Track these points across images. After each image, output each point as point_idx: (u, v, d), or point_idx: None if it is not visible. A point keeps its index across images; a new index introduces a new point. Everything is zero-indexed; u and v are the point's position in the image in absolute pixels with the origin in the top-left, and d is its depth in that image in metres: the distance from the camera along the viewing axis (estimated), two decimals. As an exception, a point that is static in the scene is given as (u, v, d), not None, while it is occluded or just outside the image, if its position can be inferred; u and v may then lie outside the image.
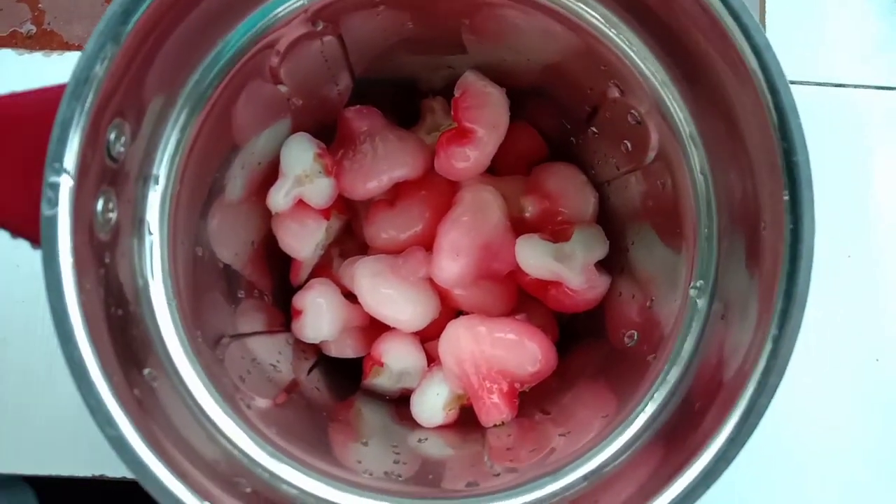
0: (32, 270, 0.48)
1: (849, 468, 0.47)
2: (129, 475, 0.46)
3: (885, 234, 0.49)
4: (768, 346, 0.27)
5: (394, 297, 0.40)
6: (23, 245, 0.49)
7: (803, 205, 0.27)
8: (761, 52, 0.27)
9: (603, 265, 0.41)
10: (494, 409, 0.38)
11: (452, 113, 0.40)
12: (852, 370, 0.48)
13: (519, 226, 0.42)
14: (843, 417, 0.47)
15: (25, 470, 0.47)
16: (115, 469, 0.46)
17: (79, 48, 0.51)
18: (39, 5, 0.52)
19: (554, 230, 0.42)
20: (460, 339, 0.39)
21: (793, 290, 0.27)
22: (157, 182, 0.33)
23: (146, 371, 0.30)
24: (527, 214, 0.42)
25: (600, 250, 0.41)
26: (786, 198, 0.27)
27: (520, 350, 0.39)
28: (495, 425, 0.39)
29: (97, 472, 0.47)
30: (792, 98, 0.27)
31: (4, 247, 0.48)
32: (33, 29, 0.52)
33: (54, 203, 0.26)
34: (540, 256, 0.40)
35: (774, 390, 0.27)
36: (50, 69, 0.50)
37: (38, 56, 0.51)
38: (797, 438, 0.47)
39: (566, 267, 0.39)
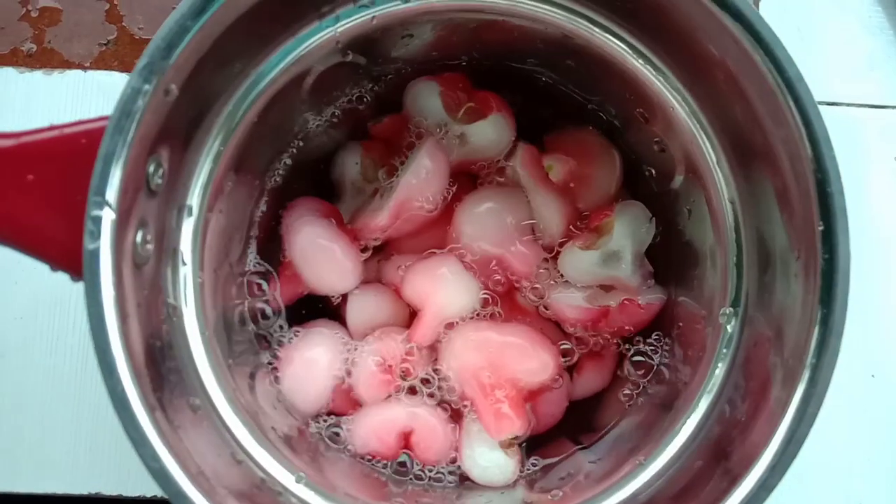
0: (31, 288, 0.48)
1: (845, 483, 0.48)
2: (125, 493, 0.47)
3: (880, 250, 0.49)
4: (806, 374, 0.27)
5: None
6: (22, 262, 0.49)
7: (838, 234, 0.27)
8: (793, 84, 0.28)
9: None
10: (505, 419, 0.37)
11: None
12: (848, 386, 0.48)
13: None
14: (839, 433, 0.47)
15: (19, 488, 0.47)
16: (111, 487, 0.46)
17: (79, 66, 0.52)
18: (40, 24, 0.52)
19: (594, 214, 0.40)
20: (467, 345, 0.38)
21: (829, 320, 0.27)
22: (190, 212, 0.33)
23: (191, 399, 0.30)
24: (553, 177, 0.40)
25: (647, 233, 0.39)
26: (820, 228, 0.27)
27: (531, 356, 0.38)
28: (508, 440, 0.38)
29: (93, 490, 0.46)
30: (825, 129, 0.28)
31: (3, 263, 0.48)
32: (34, 47, 0.52)
33: (97, 236, 0.26)
34: (586, 266, 0.38)
35: (814, 418, 0.27)
36: (51, 87, 0.50)
37: (38, 74, 0.51)
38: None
39: (616, 268, 0.38)
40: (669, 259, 0.39)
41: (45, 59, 0.52)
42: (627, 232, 0.39)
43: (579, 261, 0.39)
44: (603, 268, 0.39)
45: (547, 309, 0.40)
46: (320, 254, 0.38)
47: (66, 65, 0.52)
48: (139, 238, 0.29)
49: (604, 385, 0.40)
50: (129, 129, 0.27)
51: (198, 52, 0.28)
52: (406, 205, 0.38)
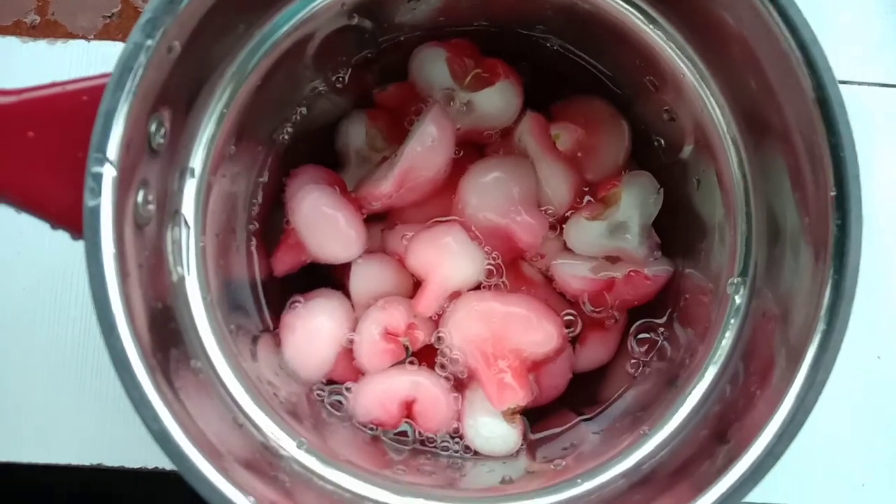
0: (33, 257, 0.48)
1: (850, 464, 0.47)
2: (126, 464, 0.47)
3: (888, 230, 0.49)
4: (816, 339, 0.27)
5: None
6: (25, 232, 0.49)
7: (851, 200, 0.27)
8: (808, 46, 0.27)
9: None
10: (508, 389, 0.37)
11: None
12: (854, 367, 0.48)
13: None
14: (845, 414, 0.47)
15: (22, 458, 0.47)
16: (114, 458, 0.46)
17: (83, 38, 0.51)
18: (44, -4, 0.52)
19: (601, 184, 0.40)
20: (470, 315, 0.37)
21: (841, 286, 0.26)
22: (192, 174, 0.32)
23: (193, 363, 0.30)
24: (560, 146, 0.40)
25: (655, 204, 0.38)
26: (832, 193, 0.27)
27: (535, 327, 0.37)
28: (510, 410, 0.37)
29: (95, 462, 0.47)
30: (839, 92, 0.27)
31: (5, 233, 0.48)
32: (37, 19, 0.52)
33: (97, 193, 0.26)
34: (592, 237, 0.38)
35: (823, 385, 0.26)
36: (54, 57, 0.50)
37: (42, 44, 0.50)
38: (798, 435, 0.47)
39: (623, 240, 0.38)
40: (677, 231, 0.39)
41: (49, 31, 0.52)
42: (635, 203, 0.38)
43: (586, 231, 0.38)
44: (609, 239, 0.38)
45: (552, 279, 0.39)
46: (324, 222, 0.38)
47: (70, 36, 0.51)
48: (140, 198, 0.28)
49: (608, 357, 0.40)
50: (131, 86, 0.26)
51: (202, 9, 0.28)
52: (411, 173, 0.38)
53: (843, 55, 0.51)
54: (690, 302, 0.37)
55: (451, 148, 0.38)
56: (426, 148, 0.38)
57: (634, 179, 0.38)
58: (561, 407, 0.39)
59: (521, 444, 0.37)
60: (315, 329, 0.37)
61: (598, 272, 0.38)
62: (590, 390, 0.40)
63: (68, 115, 0.28)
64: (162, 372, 0.27)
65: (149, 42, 0.26)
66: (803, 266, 0.29)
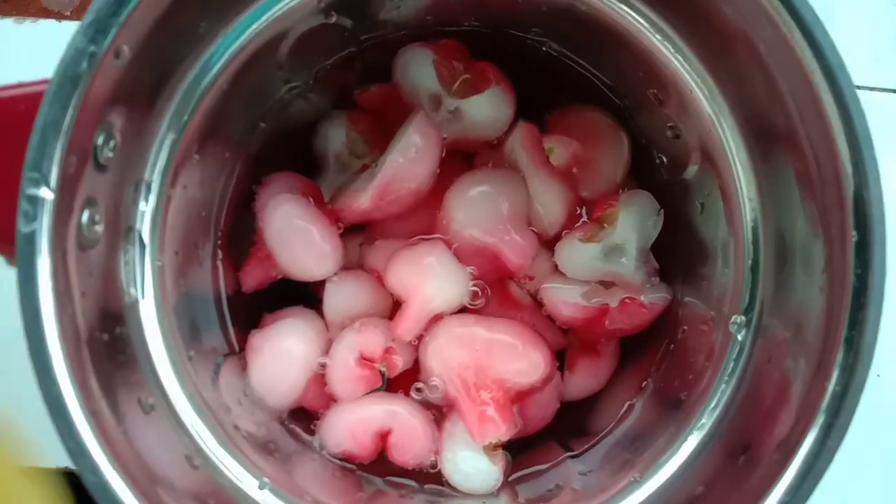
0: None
1: (849, 482, 0.46)
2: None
3: (891, 242, 0.47)
4: (826, 402, 0.24)
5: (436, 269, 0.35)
6: None
7: (874, 247, 0.24)
8: (834, 72, 0.24)
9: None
10: (490, 423, 0.34)
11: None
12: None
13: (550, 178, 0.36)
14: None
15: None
16: None
17: (58, 15, 0.48)
18: (21, -31, 0.48)
19: (597, 203, 0.37)
20: (452, 341, 0.35)
21: (860, 345, 0.24)
22: (149, 189, 0.29)
23: (144, 399, 0.27)
24: (554, 160, 0.37)
25: (654, 226, 0.36)
26: (854, 238, 0.24)
27: (520, 355, 0.35)
28: (492, 444, 0.35)
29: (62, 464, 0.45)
30: (866, 126, 0.24)
31: None
32: None
33: (32, 218, 0.23)
34: (586, 259, 0.35)
35: (834, 452, 0.24)
36: (20, 37, 0.47)
37: (8, 22, 0.47)
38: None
39: (619, 264, 0.35)
40: (677, 255, 0.36)
41: (22, 6, 0.49)
42: (633, 224, 0.35)
43: (579, 254, 0.36)
44: (604, 262, 0.35)
45: (541, 303, 0.37)
46: (297, 235, 0.35)
47: (44, 13, 0.48)
48: (85, 218, 0.25)
49: (599, 386, 0.38)
50: (73, 96, 0.23)
51: (155, 10, 0.25)
52: (392, 185, 0.35)
53: (857, 59, 0.49)
54: (689, 333, 0.34)
55: (436, 159, 0.36)
56: (409, 159, 0.35)
57: (633, 199, 0.36)
58: (547, 439, 0.37)
59: (503, 482, 0.35)
60: (284, 351, 0.35)
61: (590, 298, 0.36)
62: (578, 422, 0.37)
63: (2, 126, 0.25)
64: (109, 412, 0.25)
65: (92, 48, 0.23)
66: (816, 287, 0.26)
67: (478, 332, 0.35)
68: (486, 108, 0.36)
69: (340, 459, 0.35)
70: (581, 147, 0.37)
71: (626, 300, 0.35)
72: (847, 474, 0.45)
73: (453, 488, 0.35)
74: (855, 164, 0.24)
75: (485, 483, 0.34)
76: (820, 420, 0.24)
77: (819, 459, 0.24)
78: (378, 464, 0.35)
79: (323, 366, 0.35)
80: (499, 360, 0.34)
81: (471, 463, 0.34)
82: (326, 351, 0.36)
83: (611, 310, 0.35)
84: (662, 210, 0.36)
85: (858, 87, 0.49)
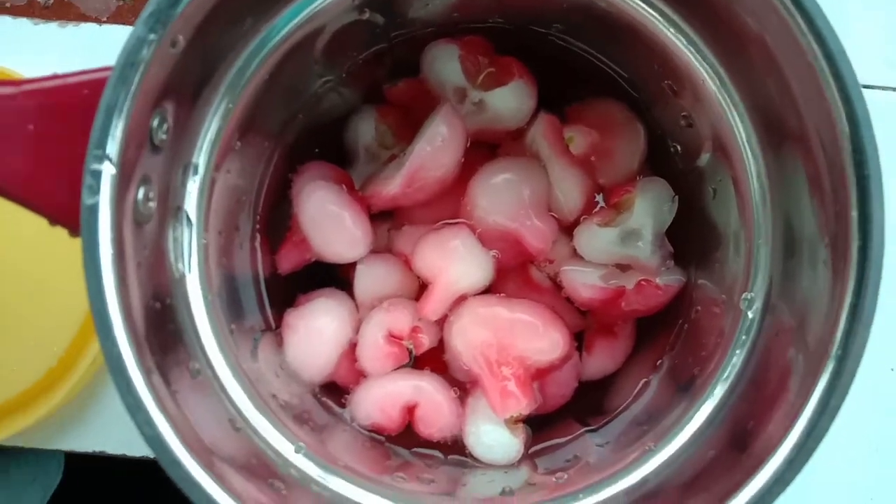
0: None
1: (859, 478, 0.47)
2: (129, 452, 0.47)
3: None
4: (830, 366, 0.26)
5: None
6: None
7: (873, 222, 0.26)
8: (835, 58, 0.26)
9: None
10: (511, 397, 0.36)
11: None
12: (867, 380, 0.47)
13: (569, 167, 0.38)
14: (858, 427, 0.46)
15: (25, 443, 0.47)
16: (115, 446, 0.48)
17: (96, 20, 0.51)
18: (58, -23, 0.51)
19: (614, 189, 0.39)
20: (475, 321, 0.36)
21: (860, 310, 0.26)
22: (196, 171, 0.32)
23: (191, 364, 0.29)
24: (573, 149, 0.39)
25: (669, 212, 0.37)
26: (854, 214, 0.26)
27: (540, 334, 0.36)
28: (513, 418, 0.37)
29: (98, 449, 0.48)
30: (866, 109, 0.26)
31: None
32: (51, 0, 0.52)
33: (96, 191, 0.25)
34: (603, 244, 0.37)
35: (836, 411, 0.26)
36: (66, 40, 0.50)
37: (53, 26, 0.50)
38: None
39: (635, 247, 0.37)
40: (690, 240, 0.38)
41: (63, 12, 0.52)
42: (649, 210, 0.37)
43: (597, 238, 0.37)
44: (621, 246, 0.37)
45: (560, 286, 0.39)
46: (329, 220, 0.37)
47: (83, 18, 0.51)
48: (141, 195, 0.27)
49: (616, 367, 0.39)
50: (133, 81, 0.26)
51: (208, 2, 0.27)
52: (419, 173, 0.37)
53: (866, 59, 0.50)
54: (702, 314, 0.36)
55: (461, 148, 0.38)
56: (436, 147, 0.37)
57: (649, 186, 0.37)
58: (566, 416, 0.39)
59: (523, 454, 0.36)
60: (317, 329, 0.37)
61: (608, 280, 0.37)
62: (596, 400, 0.39)
63: (69, 108, 0.27)
64: (159, 375, 0.27)
65: (152, 36, 0.26)
66: (821, 280, 0.28)
67: (500, 312, 0.36)
68: (510, 100, 0.38)
69: (370, 431, 0.37)
70: (599, 137, 0.39)
71: (642, 282, 0.37)
72: (862, 466, 0.46)
73: (476, 460, 0.37)
74: (855, 142, 0.26)
75: (506, 455, 0.36)
76: (823, 380, 0.26)
77: (822, 417, 0.26)
78: (405, 436, 0.37)
79: (354, 343, 0.37)
80: (520, 338, 0.36)
81: (493, 436, 0.36)
82: (357, 329, 0.38)
83: (627, 292, 0.37)
84: (677, 196, 0.37)
85: (869, 87, 0.50)
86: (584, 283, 0.37)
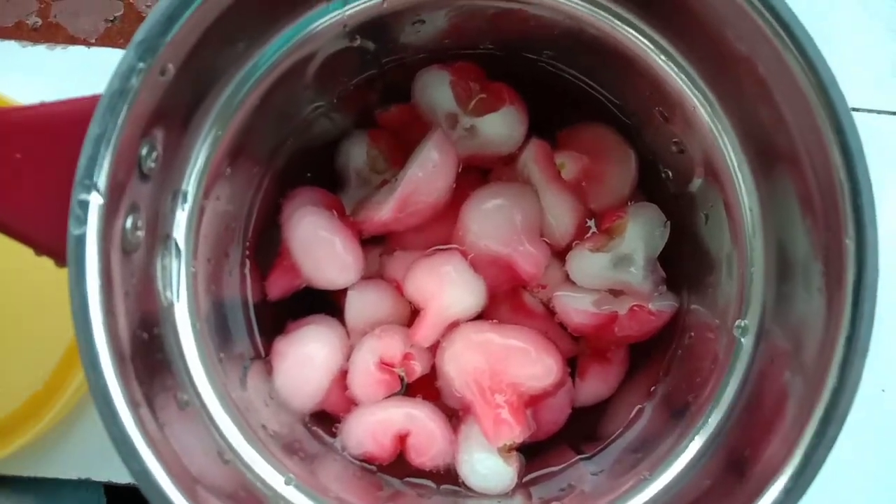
0: None
1: (855, 496, 0.47)
2: (113, 479, 0.46)
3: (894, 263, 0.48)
4: (826, 396, 0.26)
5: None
6: None
7: (867, 249, 0.26)
8: (827, 88, 0.26)
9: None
10: (504, 425, 0.36)
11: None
12: (858, 400, 0.47)
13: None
14: (849, 447, 0.46)
15: (11, 471, 0.46)
16: (100, 473, 0.47)
17: (84, 42, 0.51)
18: (46, -2, 0.51)
19: (606, 215, 0.39)
20: (468, 347, 0.36)
21: (855, 340, 0.25)
22: (185, 199, 0.31)
23: (179, 395, 0.29)
24: (565, 175, 0.39)
25: (661, 237, 0.37)
26: (848, 242, 0.26)
27: (533, 361, 0.36)
28: (507, 446, 0.36)
29: (83, 475, 0.47)
30: (858, 138, 0.26)
31: None
32: (39, 21, 0.52)
33: (83, 221, 0.25)
34: (595, 269, 0.37)
35: (834, 440, 0.25)
36: (54, 63, 0.50)
37: (41, 49, 0.50)
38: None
39: (627, 273, 0.37)
40: (683, 265, 0.37)
41: (51, 33, 0.52)
42: (641, 235, 0.37)
43: (589, 263, 0.37)
44: (613, 271, 0.37)
45: (553, 311, 0.38)
46: (320, 246, 0.37)
47: (71, 40, 0.51)
48: (129, 224, 0.27)
49: (609, 392, 0.39)
50: (122, 110, 0.25)
51: (197, 29, 0.27)
52: (411, 198, 0.37)
53: (856, 81, 0.51)
54: (696, 339, 0.36)
55: (452, 173, 0.37)
56: (427, 173, 0.37)
57: (641, 211, 0.37)
58: (560, 443, 0.38)
59: (517, 483, 0.36)
60: (307, 357, 0.36)
61: (600, 306, 0.37)
62: (590, 426, 0.38)
63: (57, 137, 0.27)
64: (146, 406, 0.26)
65: (141, 65, 0.25)
66: (815, 304, 0.28)
67: (493, 338, 0.36)
68: (501, 127, 0.38)
69: (361, 461, 0.36)
70: (590, 162, 0.39)
71: (635, 307, 0.37)
72: (854, 487, 0.46)
73: (469, 489, 0.36)
74: (849, 171, 0.26)
75: (500, 483, 0.35)
76: (819, 411, 0.26)
77: (820, 448, 0.25)
78: (397, 465, 0.36)
79: (344, 371, 0.37)
80: (513, 365, 0.36)
81: (486, 464, 0.36)
82: (348, 356, 0.37)
83: (620, 317, 0.37)
84: (669, 222, 0.37)
85: (858, 110, 0.51)
86: (577, 308, 0.37)
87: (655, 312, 0.37)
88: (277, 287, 0.38)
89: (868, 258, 0.26)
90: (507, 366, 0.36)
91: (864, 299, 0.26)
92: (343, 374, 0.37)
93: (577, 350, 0.39)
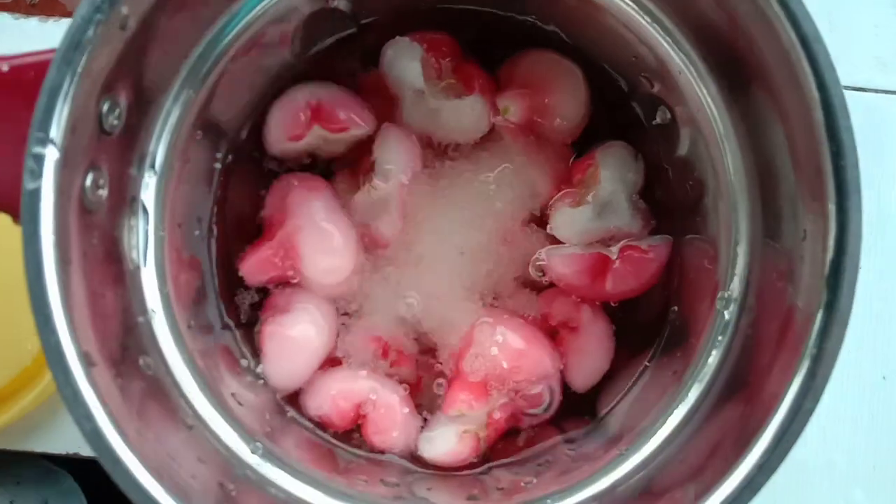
0: None
1: (853, 486, 0.45)
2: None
3: None
4: (805, 365, 0.25)
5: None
6: None
7: (849, 213, 0.24)
8: (809, 42, 0.25)
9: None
10: (463, 395, 0.35)
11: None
12: (859, 388, 0.46)
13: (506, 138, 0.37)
14: (851, 435, 0.45)
15: (25, 446, 0.46)
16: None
17: (81, 17, 0.50)
18: (45, -26, 0.51)
19: (574, 166, 0.37)
20: (502, 345, 0.35)
21: (835, 306, 0.24)
22: (154, 160, 0.31)
23: (141, 359, 0.28)
24: (511, 118, 0.36)
25: (637, 172, 0.36)
26: (831, 206, 0.25)
27: (523, 355, 0.36)
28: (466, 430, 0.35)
29: (72, 450, 0.46)
30: (842, 95, 0.25)
31: None
32: None
33: (38, 175, 0.24)
34: (581, 223, 0.35)
35: (809, 415, 0.24)
36: (44, 35, 0.49)
37: (33, 21, 0.49)
38: (803, 455, 0.45)
39: (613, 217, 0.35)
40: (669, 203, 0.36)
41: (49, 9, 0.51)
42: (615, 176, 0.35)
43: (574, 220, 0.36)
44: (599, 221, 0.35)
45: (544, 274, 0.37)
46: (318, 236, 0.36)
47: (68, 15, 0.50)
48: (89, 181, 0.26)
49: (595, 381, 0.37)
50: (79, 62, 0.25)
51: (159, -16, 0.26)
52: (405, 196, 0.36)
53: (860, 62, 0.50)
54: (679, 314, 0.35)
55: (419, 154, 0.37)
56: (408, 173, 0.36)
57: (609, 152, 0.36)
58: (547, 427, 0.37)
59: (491, 459, 0.35)
60: (301, 340, 0.36)
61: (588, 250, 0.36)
62: (576, 410, 0.37)
63: (14, 92, 0.26)
64: (105, 366, 0.26)
65: (98, 16, 0.25)
66: (798, 247, 0.27)
67: (517, 344, 0.36)
68: (465, 118, 0.36)
69: (316, 424, 0.36)
70: (534, 95, 0.36)
71: (628, 248, 0.35)
72: (856, 474, 0.45)
73: (426, 464, 0.35)
74: (831, 132, 0.24)
75: (444, 444, 0.35)
76: (796, 383, 0.24)
77: (795, 421, 0.24)
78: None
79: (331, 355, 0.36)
80: (521, 375, 0.35)
81: (436, 430, 0.35)
82: (336, 335, 0.37)
83: (615, 268, 0.35)
84: (640, 153, 0.36)
85: (864, 90, 0.49)
86: (563, 254, 0.36)
87: (649, 248, 0.35)
88: (262, 274, 0.37)
89: (850, 220, 0.24)
90: (517, 375, 0.35)
91: (845, 266, 0.24)
92: (330, 358, 0.36)
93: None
